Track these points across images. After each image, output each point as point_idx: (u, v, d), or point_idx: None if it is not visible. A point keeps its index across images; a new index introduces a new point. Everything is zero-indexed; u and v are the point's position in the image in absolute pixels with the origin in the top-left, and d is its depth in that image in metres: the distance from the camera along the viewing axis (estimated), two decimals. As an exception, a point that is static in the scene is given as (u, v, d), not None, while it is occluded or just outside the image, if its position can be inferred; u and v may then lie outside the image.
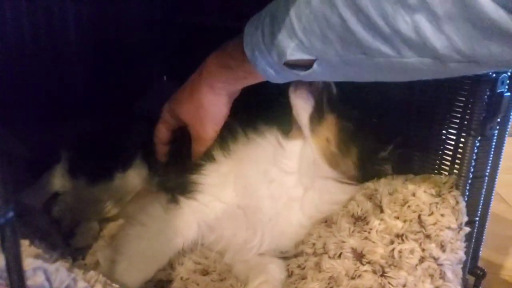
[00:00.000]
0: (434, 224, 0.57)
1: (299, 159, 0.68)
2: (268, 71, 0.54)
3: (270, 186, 0.68)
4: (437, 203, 0.59)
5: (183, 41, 1.32)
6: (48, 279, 0.34)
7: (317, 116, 0.67)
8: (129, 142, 0.87)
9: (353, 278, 0.57)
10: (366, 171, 0.67)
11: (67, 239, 0.76)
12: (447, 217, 0.57)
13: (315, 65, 0.49)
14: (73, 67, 1.22)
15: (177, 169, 0.76)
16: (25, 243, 0.38)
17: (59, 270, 0.36)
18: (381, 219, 0.61)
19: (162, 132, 0.78)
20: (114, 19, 1.26)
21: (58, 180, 0.83)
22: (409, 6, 0.38)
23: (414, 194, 0.61)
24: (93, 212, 0.82)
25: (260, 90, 0.63)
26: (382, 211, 0.62)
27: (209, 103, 0.67)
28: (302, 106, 0.67)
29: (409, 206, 0.60)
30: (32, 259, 0.35)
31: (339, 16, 0.43)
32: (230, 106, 0.69)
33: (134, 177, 0.83)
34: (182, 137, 0.80)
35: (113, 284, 0.48)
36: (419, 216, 0.58)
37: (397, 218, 0.60)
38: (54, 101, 1.16)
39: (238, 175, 0.70)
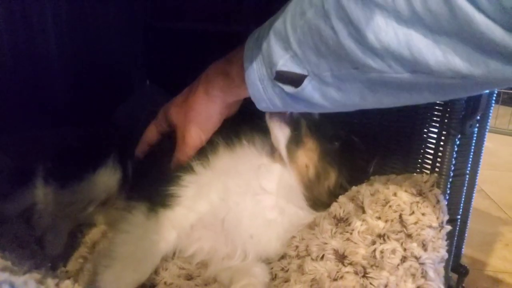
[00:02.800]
0: (415, 223, 0.57)
1: (278, 181, 0.69)
2: (256, 86, 0.53)
3: (249, 201, 0.68)
4: (418, 202, 0.59)
5: (165, 45, 1.31)
6: (15, 293, 0.33)
7: (294, 143, 0.67)
8: (102, 145, 0.87)
9: (335, 279, 0.57)
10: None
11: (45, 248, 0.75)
12: (428, 216, 0.57)
13: (305, 82, 0.48)
14: (53, 72, 1.20)
15: (155, 179, 0.75)
16: (-8, 256, 0.37)
17: (28, 283, 0.35)
18: (363, 220, 0.60)
19: (151, 132, 0.77)
20: (94, 24, 1.25)
21: (37, 191, 0.82)
22: (404, 20, 0.37)
23: (395, 194, 0.61)
24: (67, 217, 0.82)
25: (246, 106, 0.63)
26: (364, 211, 0.61)
27: (200, 107, 0.67)
28: (277, 133, 0.67)
29: (390, 206, 0.60)
30: (-2, 272, 0.33)
31: (332, 28, 0.42)
32: (221, 118, 0.68)
33: (106, 177, 0.82)
34: (163, 148, 0.81)
35: (90, 293, 0.47)
36: (400, 216, 0.58)
37: (379, 218, 0.60)
38: (34, 108, 1.15)
39: (218, 188, 0.69)
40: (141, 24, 1.37)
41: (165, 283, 0.69)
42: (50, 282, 0.40)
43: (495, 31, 0.33)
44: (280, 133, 0.67)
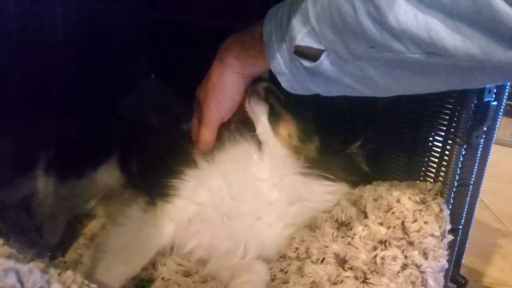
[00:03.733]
0: (418, 231, 0.57)
1: (271, 162, 0.70)
2: (276, 60, 0.53)
3: (248, 189, 0.69)
4: (421, 210, 0.59)
5: (170, 39, 1.31)
6: (20, 281, 0.33)
7: (274, 119, 0.70)
8: (105, 141, 0.87)
9: (335, 283, 0.57)
10: (337, 164, 0.69)
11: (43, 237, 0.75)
12: (430, 224, 0.57)
13: (322, 57, 0.48)
14: (60, 64, 1.20)
15: (156, 173, 0.75)
16: (-3, 243, 0.37)
17: (33, 271, 0.34)
18: (365, 225, 0.60)
19: (195, 125, 0.76)
20: (101, 16, 1.24)
21: (37, 180, 0.82)
22: (425, 2, 0.37)
23: (398, 201, 0.61)
24: (66, 209, 0.82)
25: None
26: (366, 217, 0.61)
27: (215, 77, 0.66)
28: (258, 112, 0.70)
29: (393, 213, 0.60)
30: (4, 259, 0.33)
31: (352, 5, 0.42)
32: (237, 91, 0.67)
33: (105, 175, 0.83)
34: (164, 142, 0.82)
35: (91, 285, 0.47)
36: (402, 223, 0.58)
37: (381, 224, 0.60)
38: (39, 97, 1.14)
39: (218, 178, 0.70)
40: (147, 17, 1.37)
41: (163, 278, 0.70)
42: (53, 272, 0.40)
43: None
44: (260, 113, 0.70)
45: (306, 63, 0.50)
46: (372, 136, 0.72)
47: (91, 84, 1.21)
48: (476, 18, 0.35)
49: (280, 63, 0.53)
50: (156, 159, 0.80)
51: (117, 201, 0.83)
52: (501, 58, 0.36)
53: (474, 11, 0.35)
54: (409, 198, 0.60)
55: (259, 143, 0.72)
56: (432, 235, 0.57)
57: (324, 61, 0.48)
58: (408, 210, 0.59)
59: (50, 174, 0.82)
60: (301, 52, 0.50)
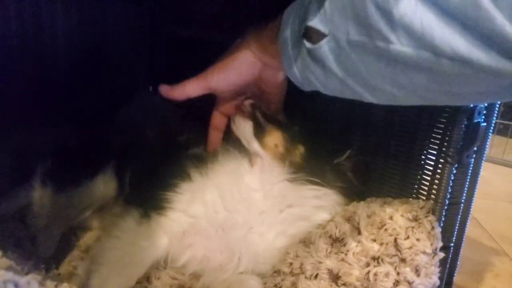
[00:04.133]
0: (410, 248, 0.58)
1: (260, 172, 0.72)
2: (286, 43, 0.54)
3: (242, 199, 0.70)
4: (413, 227, 0.60)
5: (170, 52, 1.32)
6: (17, 293, 0.33)
7: (260, 132, 0.73)
8: (101, 151, 0.88)
9: (328, 299, 0.57)
10: (324, 171, 0.71)
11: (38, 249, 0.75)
12: (422, 241, 0.58)
13: (323, 41, 0.48)
14: (58, 74, 1.20)
15: (150, 185, 0.76)
16: (-4, 254, 0.38)
17: (31, 283, 0.35)
18: (358, 241, 0.61)
19: (214, 116, 0.77)
20: (102, 27, 1.26)
21: (34, 191, 0.82)
22: None
23: (391, 218, 0.62)
24: (62, 220, 0.82)
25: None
26: (359, 233, 0.62)
27: (231, 50, 0.65)
28: (243, 129, 0.73)
29: (386, 229, 0.60)
30: (3, 271, 0.34)
31: None
32: (248, 68, 0.65)
33: (102, 185, 0.83)
34: (158, 155, 0.82)
35: (86, 298, 0.48)
36: (395, 240, 0.59)
37: (374, 240, 0.61)
38: (36, 107, 1.15)
39: (211, 190, 0.71)
40: (147, 29, 1.38)
41: (157, 292, 0.69)
42: (50, 284, 0.41)
43: (496, 16, 0.35)
44: (246, 128, 0.73)
45: (308, 44, 0.50)
46: (360, 149, 0.74)
47: (88, 94, 1.22)
48: (463, 13, 0.37)
49: (288, 47, 0.54)
50: (150, 171, 0.81)
51: (112, 213, 0.83)
52: (482, 60, 0.37)
53: (461, 6, 0.36)
54: (401, 215, 0.61)
55: (250, 155, 0.74)
56: (424, 252, 0.58)
57: (324, 46, 0.48)
58: (400, 227, 0.60)
59: (47, 184, 0.82)
60: (307, 33, 0.50)
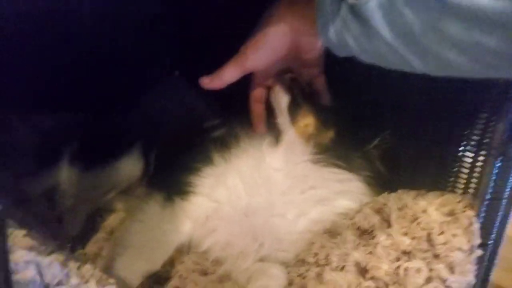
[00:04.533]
0: (444, 244, 0.55)
1: (285, 152, 0.71)
2: (324, 3, 0.49)
3: (264, 182, 0.69)
4: (449, 222, 0.56)
5: (197, 36, 1.31)
6: (40, 274, 0.33)
7: (294, 107, 0.71)
8: (129, 132, 0.88)
9: (355, 293, 0.55)
10: (350, 157, 0.69)
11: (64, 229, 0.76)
12: (458, 237, 0.55)
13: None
14: (84, 58, 1.21)
15: (174, 169, 0.76)
16: (19, 234, 0.38)
17: (52, 264, 0.35)
18: (388, 234, 0.58)
19: (254, 89, 0.73)
20: (127, 12, 1.26)
21: (61, 172, 0.84)
22: None
23: (425, 211, 0.58)
24: (88, 200, 0.83)
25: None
26: (389, 226, 0.59)
27: (264, 24, 0.61)
28: (280, 101, 0.71)
29: (418, 223, 0.57)
30: (25, 251, 0.34)
31: None
32: (281, 42, 0.61)
33: (130, 166, 0.83)
34: (180, 139, 0.82)
35: (109, 279, 0.47)
36: (428, 234, 0.56)
37: (405, 234, 0.58)
38: (65, 92, 1.16)
39: (233, 174, 0.70)
40: (173, 11, 1.37)
41: (180, 276, 0.69)
42: (73, 265, 0.40)
43: None
44: (283, 100, 0.71)
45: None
46: (392, 136, 0.70)
47: (115, 78, 1.23)
48: None
49: (326, 7, 0.48)
50: (173, 154, 0.80)
51: (136, 195, 0.84)
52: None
53: None
54: (436, 209, 0.58)
55: (276, 133, 0.72)
56: (460, 249, 0.54)
57: (371, 1, 0.42)
58: (435, 222, 0.56)
59: (75, 164, 0.83)
60: None
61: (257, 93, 0.74)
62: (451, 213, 0.57)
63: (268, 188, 0.69)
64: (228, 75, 0.65)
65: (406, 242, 0.57)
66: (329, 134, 0.70)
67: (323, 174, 0.68)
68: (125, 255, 0.65)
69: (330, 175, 0.68)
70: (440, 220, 0.57)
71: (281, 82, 0.71)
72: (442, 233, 0.56)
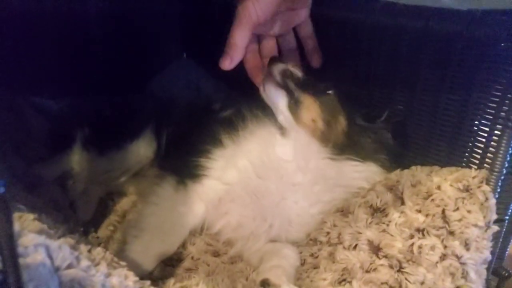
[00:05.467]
0: (459, 220, 0.54)
1: (293, 146, 0.68)
2: None
3: (274, 167, 0.68)
4: (464, 198, 0.55)
5: (203, 18, 1.28)
6: (49, 257, 0.33)
7: (294, 105, 0.67)
8: (140, 116, 0.88)
9: (368, 271, 0.54)
10: (365, 144, 0.66)
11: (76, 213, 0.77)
12: (474, 213, 0.53)
13: None
14: (94, 44, 1.21)
15: (184, 152, 0.75)
16: (29, 217, 0.37)
17: (62, 247, 0.34)
18: (402, 212, 0.57)
19: (248, 57, 0.71)
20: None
21: (74, 156, 0.84)
22: None
23: (439, 187, 0.57)
24: (101, 183, 0.84)
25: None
26: (403, 203, 0.58)
27: None
28: (276, 100, 0.68)
29: (432, 200, 0.56)
30: (34, 234, 0.33)
31: None
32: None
33: (142, 147, 0.84)
34: (190, 121, 0.81)
35: (121, 262, 0.47)
36: (443, 211, 0.55)
37: (419, 211, 0.56)
38: (74, 77, 1.17)
39: (243, 157, 0.69)
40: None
41: (192, 257, 0.70)
42: (83, 248, 0.40)
43: None
44: (279, 100, 0.68)
45: None
46: (404, 110, 0.68)
47: (123, 61, 1.22)
48: None
49: None
50: (184, 136, 0.80)
51: (147, 178, 0.84)
52: None
53: None
54: (450, 185, 0.56)
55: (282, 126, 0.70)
56: (476, 225, 0.53)
57: None
58: (449, 198, 0.55)
59: (89, 149, 0.84)
60: None
61: (252, 60, 0.72)
62: (466, 189, 0.55)
63: (279, 175, 0.68)
64: (239, 39, 0.64)
65: (420, 219, 0.56)
66: (341, 126, 0.66)
67: (341, 168, 0.66)
68: (142, 237, 0.65)
69: (347, 168, 0.66)
70: (455, 196, 0.55)
71: (271, 78, 0.68)
72: (457, 209, 0.54)
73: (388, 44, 0.69)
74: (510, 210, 0.57)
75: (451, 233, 0.53)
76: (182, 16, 1.36)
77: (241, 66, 0.70)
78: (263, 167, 0.69)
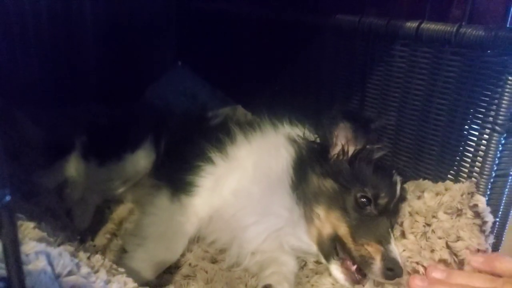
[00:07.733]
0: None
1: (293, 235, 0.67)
2: None
3: (264, 192, 0.68)
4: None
5: (198, 27, 1.30)
6: (50, 264, 0.33)
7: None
8: (139, 125, 0.88)
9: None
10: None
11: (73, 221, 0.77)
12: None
13: None
14: (88, 52, 1.22)
15: (178, 165, 0.75)
16: (29, 226, 0.38)
17: (62, 254, 0.35)
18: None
19: None
20: (131, 4, 1.25)
21: (72, 165, 0.84)
22: None
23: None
24: (99, 193, 0.84)
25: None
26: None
27: None
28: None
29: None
30: (35, 242, 0.34)
31: None
32: None
33: (142, 158, 0.84)
34: (185, 131, 0.82)
35: (120, 269, 0.48)
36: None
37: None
38: (69, 86, 1.17)
39: (231, 184, 0.69)
40: (175, 4, 1.37)
41: (189, 264, 0.70)
42: (83, 256, 0.41)
43: None
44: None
45: None
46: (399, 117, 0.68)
47: (119, 69, 1.23)
48: None
49: None
50: (178, 148, 0.80)
51: (144, 187, 0.84)
52: None
53: None
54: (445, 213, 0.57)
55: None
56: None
57: None
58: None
59: (88, 159, 0.84)
60: None
61: None
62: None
63: (264, 229, 0.67)
64: None
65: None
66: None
67: None
68: (146, 246, 0.66)
69: None
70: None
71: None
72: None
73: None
74: (500, 212, 0.58)
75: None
76: (178, 24, 1.37)
77: (235, 72, 0.71)
78: (254, 186, 0.68)
